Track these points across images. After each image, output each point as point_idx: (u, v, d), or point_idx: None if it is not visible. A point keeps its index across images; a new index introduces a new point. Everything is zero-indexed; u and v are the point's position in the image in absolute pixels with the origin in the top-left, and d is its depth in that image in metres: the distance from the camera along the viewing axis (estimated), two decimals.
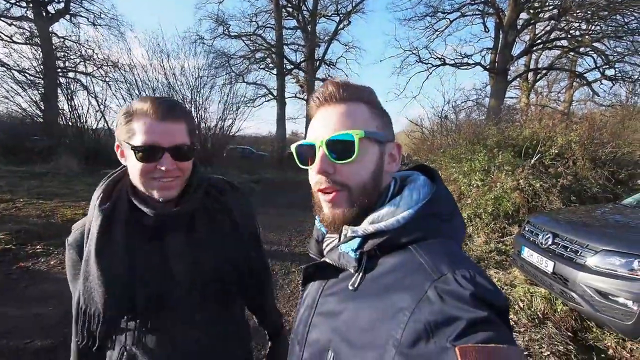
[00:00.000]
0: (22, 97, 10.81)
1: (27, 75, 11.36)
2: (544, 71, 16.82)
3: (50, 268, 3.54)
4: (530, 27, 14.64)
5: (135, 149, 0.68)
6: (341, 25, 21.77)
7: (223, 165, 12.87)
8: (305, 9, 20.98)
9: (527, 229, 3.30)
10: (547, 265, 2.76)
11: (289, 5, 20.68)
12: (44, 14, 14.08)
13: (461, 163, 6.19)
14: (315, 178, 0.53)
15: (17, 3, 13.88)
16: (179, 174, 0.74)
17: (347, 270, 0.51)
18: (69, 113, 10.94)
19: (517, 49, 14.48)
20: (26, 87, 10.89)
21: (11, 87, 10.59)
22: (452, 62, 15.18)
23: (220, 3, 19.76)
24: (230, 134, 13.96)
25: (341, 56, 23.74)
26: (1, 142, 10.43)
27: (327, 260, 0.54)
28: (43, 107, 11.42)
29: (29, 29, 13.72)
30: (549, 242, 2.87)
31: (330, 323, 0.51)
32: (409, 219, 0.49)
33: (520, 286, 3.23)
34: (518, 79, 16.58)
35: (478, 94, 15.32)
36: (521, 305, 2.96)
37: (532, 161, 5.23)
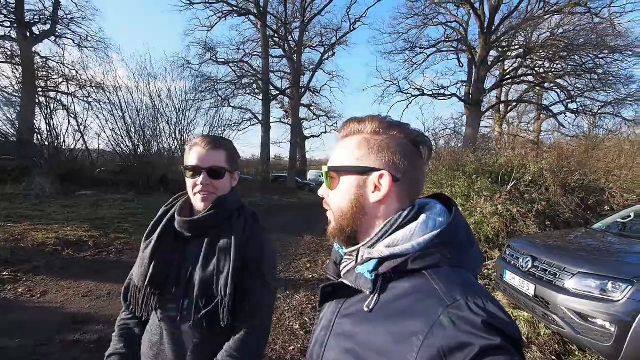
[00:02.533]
0: None
1: (4, 93, 11.01)
2: (513, 103, 18.23)
3: (17, 296, 3.28)
4: (499, 64, 16.00)
5: (186, 167, 0.96)
6: (326, 56, 22.87)
7: None
8: (291, 39, 21.97)
9: (508, 252, 3.42)
10: (529, 288, 2.85)
11: (276, 35, 21.58)
12: (29, 34, 13.95)
13: (442, 188, 6.41)
14: None
15: (1, 23, 13.72)
16: (213, 190, 0.96)
17: (363, 292, 0.53)
18: (46, 132, 10.57)
19: (489, 83, 15.77)
20: (2, 106, 10.51)
21: None
22: (430, 92, 16.19)
23: (209, 31, 20.33)
24: None
25: (325, 84, 24.85)
26: None
27: (344, 281, 0.57)
28: (18, 126, 10.99)
29: (9, 49, 13.51)
30: (529, 265, 2.97)
31: (346, 344, 0.52)
32: (424, 245, 0.50)
33: None
34: (491, 110, 17.78)
35: (455, 123, 16.29)
36: None
37: (509, 187, 5.50)
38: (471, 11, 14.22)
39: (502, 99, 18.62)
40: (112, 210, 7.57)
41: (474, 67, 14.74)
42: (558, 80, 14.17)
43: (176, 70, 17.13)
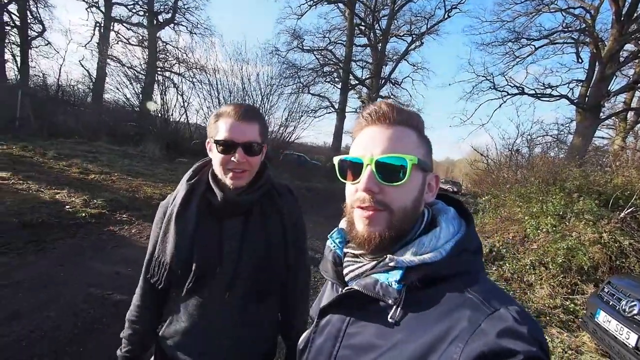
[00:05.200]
0: (128, 89, 12.93)
1: (135, 71, 13.54)
2: None
3: (132, 235, 4.20)
4: (636, 61, 12.76)
5: (217, 142, 0.85)
6: (412, 46, 21.63)
7: (278, 169, 13.59)
8: (378, 27, 21.35)
9: (606, 290, 2.87)
10: (629, 337, 2.37)
11: (362, 24, 21.26)
12: (155, 22, 16.77)
13: (530, 203, 5.62)
14: (357, 195, 0.53)
15: (137, 12, 16.78)
16: (248, 168, 0.88)
17: (381, 300, 0.49)
18: (160, 106, 12.69)
19: (616, 84, 12.70)
20: (132, 81, 12.97)
21: (122, 80, 12.76)
22: (532, 92, 13.95)
23: (299, 19, 21.15)
24: (290, 140, 14.69)
25: (407, 76, 23.32)
26: (107, 124, 12.53)
27: (357, 288, 0.51)
28: (141, 99, 13.47)
29: (141, 34, 16.50)
30: (635, 311, 2.46)
31: (368, 356, 0.48)
32: (450, 252, 0.49)
33: (588, 354, 2.81)
34: (613, 118, 14.45)
35: (560, 129, 13.62)
36: None
37: (623, 214, 4.52)
38: None
39: (633, 105, 14.93)
40: None
41: (597, 63, 12.06)
42: None
43: (265, 56, 18.43)
